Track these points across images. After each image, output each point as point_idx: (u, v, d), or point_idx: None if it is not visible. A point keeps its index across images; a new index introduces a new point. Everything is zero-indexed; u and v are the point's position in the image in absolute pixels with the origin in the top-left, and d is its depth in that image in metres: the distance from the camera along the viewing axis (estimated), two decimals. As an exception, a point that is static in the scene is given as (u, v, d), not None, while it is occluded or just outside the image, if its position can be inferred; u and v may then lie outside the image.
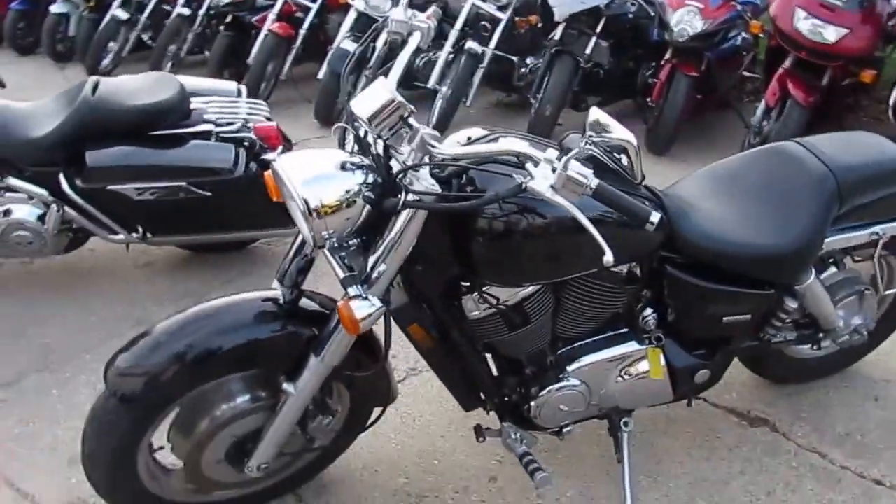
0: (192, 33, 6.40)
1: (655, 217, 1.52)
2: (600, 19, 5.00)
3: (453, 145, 1.76)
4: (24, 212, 3.08)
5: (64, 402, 2.64)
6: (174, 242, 3.42)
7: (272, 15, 5.82)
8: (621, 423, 2.17)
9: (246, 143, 3.14)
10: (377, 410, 2.10)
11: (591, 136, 1.54)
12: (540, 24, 5.40)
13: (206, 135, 3.10)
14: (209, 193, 3.06)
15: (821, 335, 2.43)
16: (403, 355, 2.69)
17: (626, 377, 2.11)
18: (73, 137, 2.99)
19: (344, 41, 5.32)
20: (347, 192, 1.62)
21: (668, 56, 4.85)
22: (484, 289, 1.85)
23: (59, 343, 2.96)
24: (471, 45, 5.22)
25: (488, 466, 2.36)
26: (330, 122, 5.19)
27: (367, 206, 1.65)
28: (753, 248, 2.07)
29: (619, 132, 1.55)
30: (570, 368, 2.04)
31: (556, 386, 2.02)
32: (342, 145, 1.83)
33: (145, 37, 6.79)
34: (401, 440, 2.47)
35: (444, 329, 1.91)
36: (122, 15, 6.68)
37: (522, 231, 1.72)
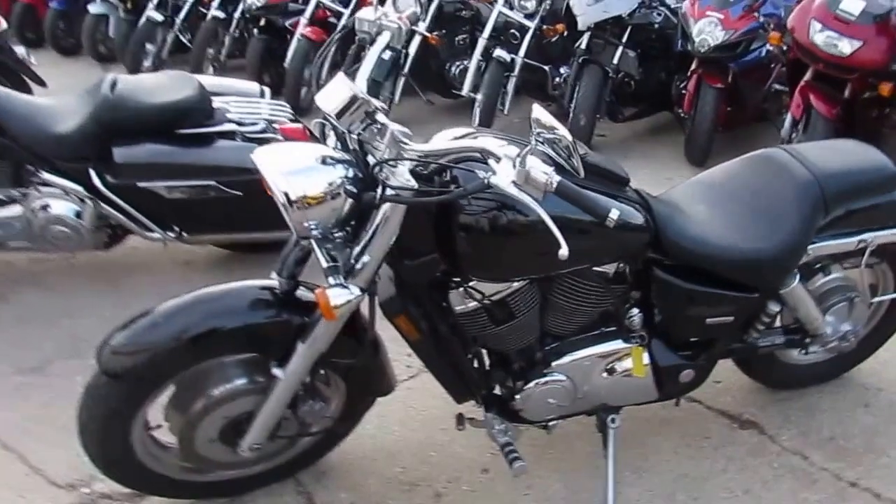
0: (228, 36, 6.31)
1: (615, 214, 1.54)
2: (626, 29, 5.01)
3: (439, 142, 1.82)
4: (62, 207, 3.14)
5: (86, 389, 2.75)
6: (210, 241, 3.46)
7: (304, 19, 5.77)
8: (608, 419, 2.23)
9: None
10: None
11: (539, 132, 1.58)
12: (566, 33, 5.41)
13: (230, 135, 3.15)
14: (240, 193, 3.09)
15: (808, 340, 2.46)
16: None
17: (610, 374, 2.17)
18: (97, 133, 3.04)
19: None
20: (330, 184, 1.70)
21: (693, 67, 4.83)
22: (470, 284, 1.91)
23: (89, 333, 2.97)
24: (499, 52, 5.23)
25: (482, 459, 2.42)
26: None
27: (349, 199, 1.72)
28: (736, 252, 2.12)
29: (559, 129, 1.57)
30: (555, 363, 2.10)
31: (542, 380, 2.09)
32: (324, 140, 1.91)
33: (185, 39, 6.67)
34: (403, 432, 2.55)
35: (432, 322, 1.97)
36: (158, 17, 6.58)
37: (500, 227, 1.78)
